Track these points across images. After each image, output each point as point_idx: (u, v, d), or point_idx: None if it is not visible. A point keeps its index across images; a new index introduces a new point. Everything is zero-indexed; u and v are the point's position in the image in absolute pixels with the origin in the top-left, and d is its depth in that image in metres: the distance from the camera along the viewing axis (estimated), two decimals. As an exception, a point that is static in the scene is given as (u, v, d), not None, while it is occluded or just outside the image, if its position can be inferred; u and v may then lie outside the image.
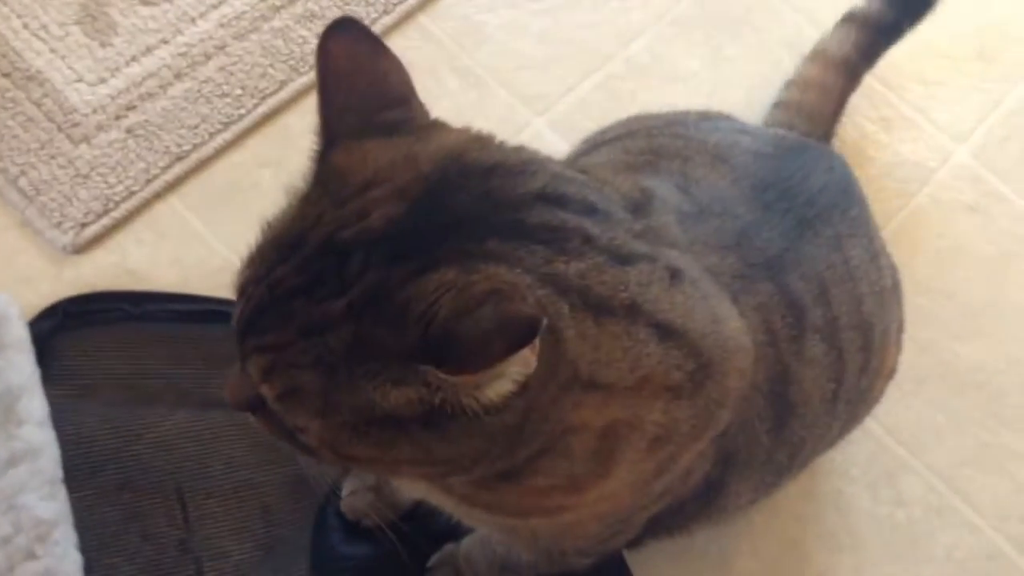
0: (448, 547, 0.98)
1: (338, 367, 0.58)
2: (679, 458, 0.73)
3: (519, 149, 0.67)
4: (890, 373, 0.94)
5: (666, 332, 0.66)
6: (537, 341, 0.55)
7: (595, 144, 1.00)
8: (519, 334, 0.54)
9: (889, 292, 0.90)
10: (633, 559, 1.02)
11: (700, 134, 0.91)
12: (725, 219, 0.79)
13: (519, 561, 0.89)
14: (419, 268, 0.58)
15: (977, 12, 1.42)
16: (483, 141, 0.66)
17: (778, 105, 1.20)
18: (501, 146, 0.66)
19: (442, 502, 0.78)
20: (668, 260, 0.68)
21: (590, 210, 0.65)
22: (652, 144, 0.91)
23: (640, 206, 0.71)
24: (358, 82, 0.64)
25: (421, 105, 0.67)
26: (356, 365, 0.58)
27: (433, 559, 0.98)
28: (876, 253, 0.90)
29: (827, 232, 0.84)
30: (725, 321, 0.71)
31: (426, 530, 0.96)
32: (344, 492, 1.00)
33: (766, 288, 0.77)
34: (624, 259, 0.64)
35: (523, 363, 0.57)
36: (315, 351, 0.59)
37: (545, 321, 0.55)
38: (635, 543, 0.91)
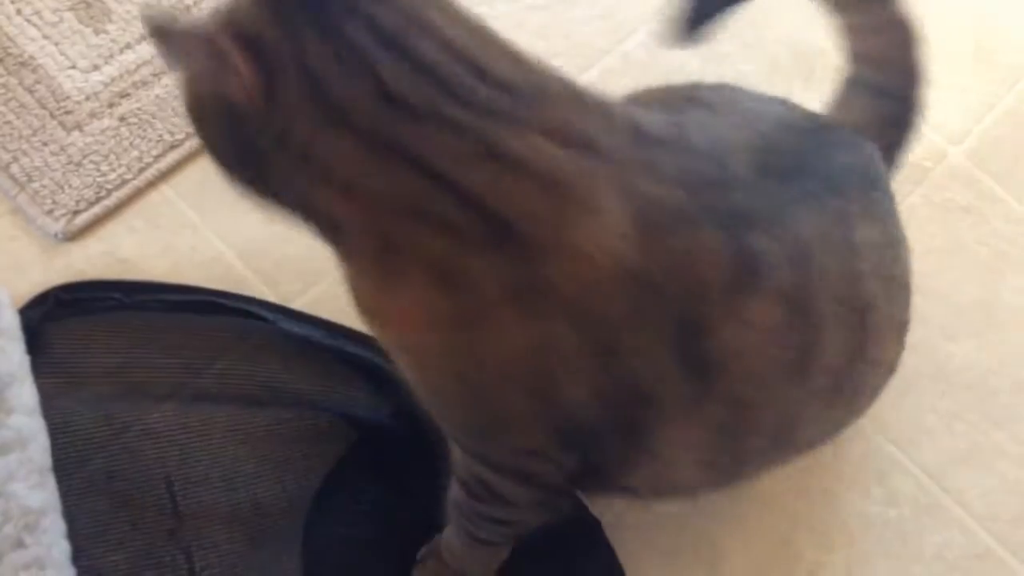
0: (436, 539, 0.98)
1: None
2: (503, 336, 0.71)
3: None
4: (889, 368, 0.93)
5: (427, 172, 0.69)
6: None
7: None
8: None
9: (900, 285, 0.88)
10: (623, 556, 1.02)
11: (737, 96, 0.92)
12: (704, 160, 0.77)
13: (486, 530, 0.90)
14: None
15: (972, 14, 1.42)
16: None
17: None
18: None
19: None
20: (497, 138, 0.70)
21: (420, 66, 0.71)
22: (692, 92, 0.92)
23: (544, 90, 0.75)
24: None
25: None
26: None
27: (421, 551, 0.98)
28: (894, 241, 0.87)
29: (834, 203, 0.81)
30: (579, 222, 0.70)
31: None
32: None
33: (710, 235, 0.74)
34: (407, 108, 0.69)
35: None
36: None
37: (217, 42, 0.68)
38: (578, 484, 0.89)
